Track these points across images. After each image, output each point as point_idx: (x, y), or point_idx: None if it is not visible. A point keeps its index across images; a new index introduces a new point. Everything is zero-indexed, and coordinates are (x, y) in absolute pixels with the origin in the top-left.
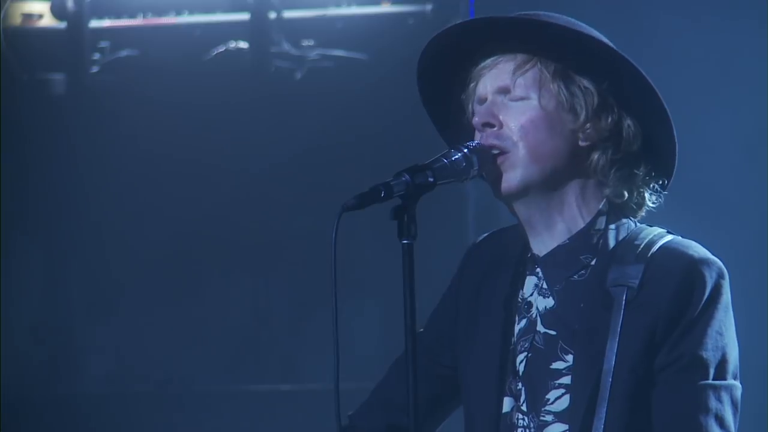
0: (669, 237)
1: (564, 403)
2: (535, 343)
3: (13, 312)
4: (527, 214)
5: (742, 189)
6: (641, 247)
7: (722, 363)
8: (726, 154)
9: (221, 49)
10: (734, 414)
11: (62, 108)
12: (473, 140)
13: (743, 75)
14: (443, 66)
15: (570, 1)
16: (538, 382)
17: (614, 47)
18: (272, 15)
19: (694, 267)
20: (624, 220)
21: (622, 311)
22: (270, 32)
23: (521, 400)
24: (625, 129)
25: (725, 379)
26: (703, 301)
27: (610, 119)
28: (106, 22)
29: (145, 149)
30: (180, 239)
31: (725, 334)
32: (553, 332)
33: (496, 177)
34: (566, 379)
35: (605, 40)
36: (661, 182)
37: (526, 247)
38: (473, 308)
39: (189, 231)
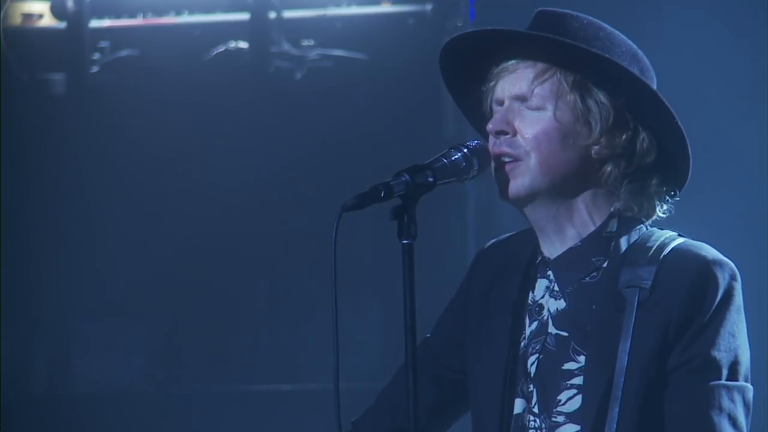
0: (680, 239)
1: (576, 403)
2: (546, 344)
3: (13, 312)
4: (536, 219)
5: (743, 189)
6: (653, 249)
7: (735, 364)
8: (726, 154)
9: (221, 49)
10: (746, 415)
11: (62, 108)
12: (489, 143)
13: (743, 75)
14: (465, 60)
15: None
16: (550, 383)
17: (628, 69)
18: (272, 15)
19: (707, 268)
20: (635, 224)
21: (635, 312)
22: (270, 32)
23: (533, 402)
24: (639, 143)
25: (737, 380)
26: (716, 303)
27: (624, 136)
28: (106, 22)
29: (145, 149)
30: (180, 239)
31: (738, 336)
32: (565, 333)
33: (506, 182)
34: (578, 380)
35: (623, 52)
36: (673, 193)
37: (537, 250)
38: (483, 312)
39: (189, 231)
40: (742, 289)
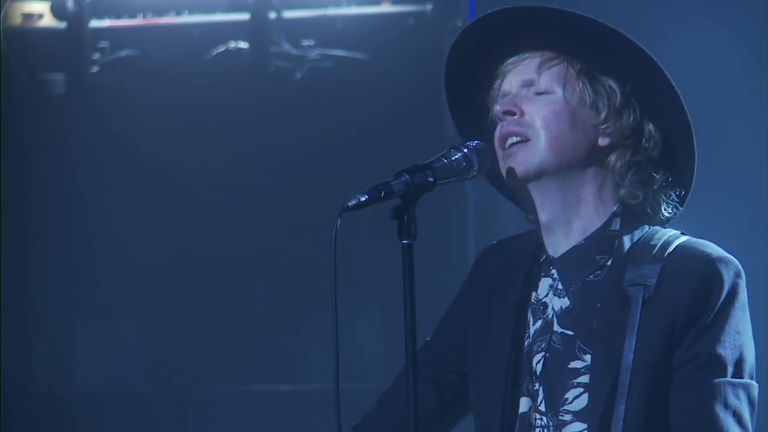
0: (684, 237)
1: (583, 402)
2: (552, 343)
3: (13, 312)
4: (542, 204)
5: (743, 189)
6: (657, 247)
7: (740, 361)
8: (726, 154)
9: (221, 49)
10: (751, 413)
11: (62, 108)
12: (495, 132)
13: (743, 74)
14: (469, 68)
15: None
16: (557, 381)
17: (640, 46)
18: (272, 15)
19: (712, 266)
20: (639, 223)
21: (640, 310)
22: (270, 32)
23: (539, 400)
24: (646, 133)
25: (743, 378)
26: (721, 300)
27: (632, 119)
28: (106, 22)
29: (144, 149)
30: (180, 239)
31: (743, 333)
32: (570, 332)
33: (513, 162)
34: (585, 378)
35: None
36: (678, 193)
37: (540, 249)
38: (485, 313)
39: (189, 230)
40: (749, 287)
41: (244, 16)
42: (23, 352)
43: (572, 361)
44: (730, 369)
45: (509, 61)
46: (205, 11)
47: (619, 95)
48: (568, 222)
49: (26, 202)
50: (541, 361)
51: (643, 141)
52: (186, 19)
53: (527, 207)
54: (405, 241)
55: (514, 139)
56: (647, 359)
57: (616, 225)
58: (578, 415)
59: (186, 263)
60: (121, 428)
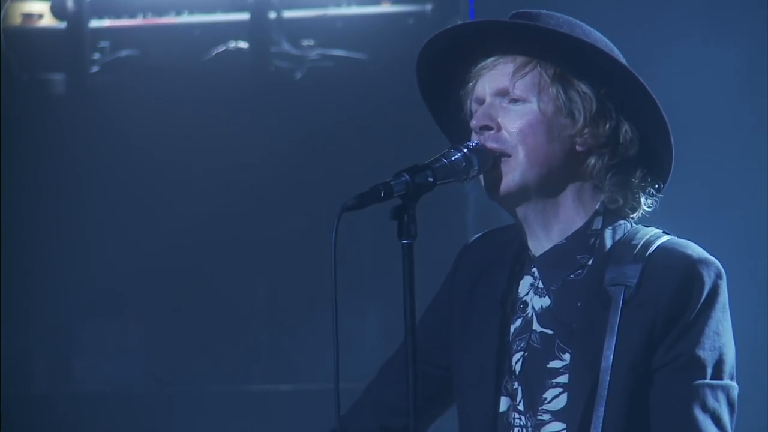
0: (666, 237)
1: (561, 402)
2: (531, 342)
3: (13, 312)
4: (524, 215)
5: (743, 189)
6: (638, 247)
7: (719, 363)
8: (726, 154)
9: (221, 49)
10: (731, 414)
11: (62, 108)
12: (469, 139)
13: (744, 74)
14: (442, 62)
15: (569, 1)
16: (535, 381)
17: (613, 54)
18: (272, 15)
19: (693, 267)
20: (620, 221)
21: (620, 310)
22: (270, 32)
23: (518, 400)
24: (623, 135)
25: (722, 379)
26: (701, 301)
27: (607, 125)
28: (106, 22)
29: (144, 149)
30: (180, 239)
31: (722, 335)
32: (549, 331)
33: (494, 179)
34: (563, 378)
35: (603, 44)
36: (656, 186)
37: (523, 246)
38: (467, 309)
39: (189, 230)
40: (742, 287)
41: (244, 16)
42: (23, 352)
43: (551, 360)
44: (709, 371)
45: (482, 64)
46: (205, 11)
47: (594, 101)
48: (548, 225)
49: (26, 202)
50: (520, 360)
51: (621, 143)
52: (186, 19)
53: (509, 212)
54: (405, 241)
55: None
56: (627, 360)
57: (598, 224)
58: (557, 415)
59: (186, 263)
60: (121, 428)
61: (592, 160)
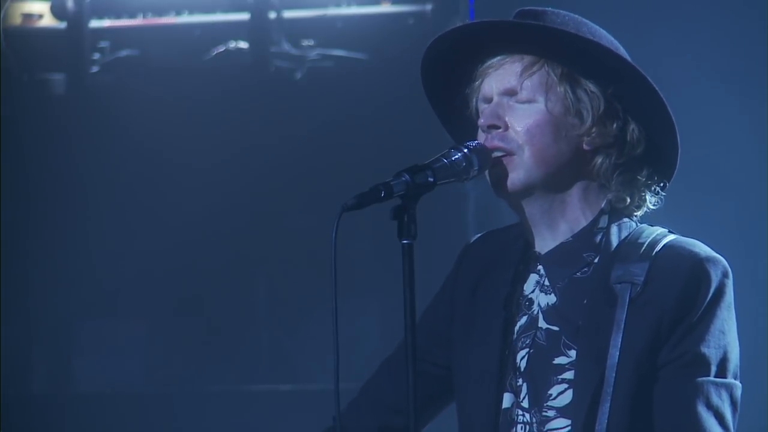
0: (672, 236)
1: (567, 398)
2: (536, 339)
3: (13, 312)
4: (530, 213)
5: (743, 188)
6: (645, 245)
7: (723, 361)
8: (726, 154)
9: (221, 49)
10: (733, 413)
11: (62, 108)
12: (474, 138)
13: (743, 74)
14: (448, 61)
15: (574, 1)
16: (540, 377)
17: (620, 53)
18: (272, 15)
19: (700, 265)
20: (626, 220)
21: (627, 307)
22: (270, 32)
23: (522, 396)
24: (630, 134)
25: (726, 378)
26: (707, 300)
27: (615, 125)
28: (106, 22)
29: (144, 149)
30: (180, 239)
31: (727, 333)
32: (555, 328)
33: (500, 178)
34: (569, 374)
35: (609, 42)
36: (661, 184)
37: (527, 245)
38: (470, 307)
39: (189, 231)
40: (742, 287)
41: (244, 16)
42: (23, 352)
43: (557, 357)
44: (713, 369)
45: (488, 63)
46: (205, 11)
47: (602, 100)
48: (555, 224)
49: (26, 202)
50: (525, 357)
51: (628, 142)
52: (186, 19)
53: (514, 210)
54: (405, 241)
55: (499, 153)
56: (633, 357)
57: (604, 222)
58: (562, 411)
59: (186, 263)
60: (121, 428)
61: (599, 160)
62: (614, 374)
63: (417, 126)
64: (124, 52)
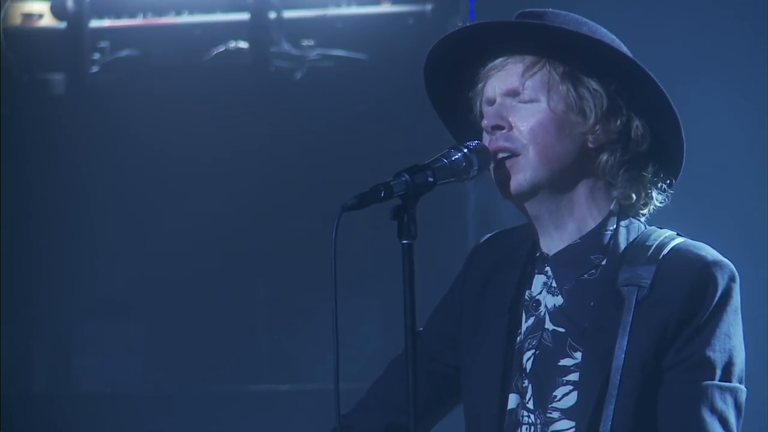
0: (680, 239)
1: (571, 399)
2: (543, 340)
3: (13, 312)
4: (537, 214)
5: (743, 189)
6: (652, 248)
7: (729, 365)
8: (726, 154)
9: (221, 49)
10: (737, 417)
11: (62, 108)
12: (478, 139)
13: (744, 73)
14: (450, 64)
15: (574, 1)
16: (546, 379)
17: (621, 50)
18: (272, 15)
19: (707, 269)
20: (634, 222)
21: (633, 310)
22: (270, 32)
23: (527, 397)
24: (634, 130)
25: (731, 381)
26: (714, 303)
27: (619, 122)
28: (106, 22)
29: (145, 149)
30: (180, 239)
31: (733, 337)
32: (562, 329)
33: (506, 178)
34: (574, 376)
35: (611, 40)
36: (668, 181)
37: (535, 246)
38: (478, 307)
39: (189, 231)
40: (743, 288)
41: (244, 16)
42: (23, 352)
43: (562, 358)
44: (718, 372)
45: (490, 65)
46: (205, 11)
47: (604, 97)
48: (563, 224)
49: (26, 202)
50: (531, 358)
51: (632, 138)
52: (186, 19)
53: (521, 211)
54: (405, 241)
55: (504, 154)
56: (638, 360)
57: (612, 224)
58: (566, 413)
59: (186, 263)
60: (121, 428)
61: (604, 157)
62: (619, 376)
63: (417, 126)
64: (124, 52)
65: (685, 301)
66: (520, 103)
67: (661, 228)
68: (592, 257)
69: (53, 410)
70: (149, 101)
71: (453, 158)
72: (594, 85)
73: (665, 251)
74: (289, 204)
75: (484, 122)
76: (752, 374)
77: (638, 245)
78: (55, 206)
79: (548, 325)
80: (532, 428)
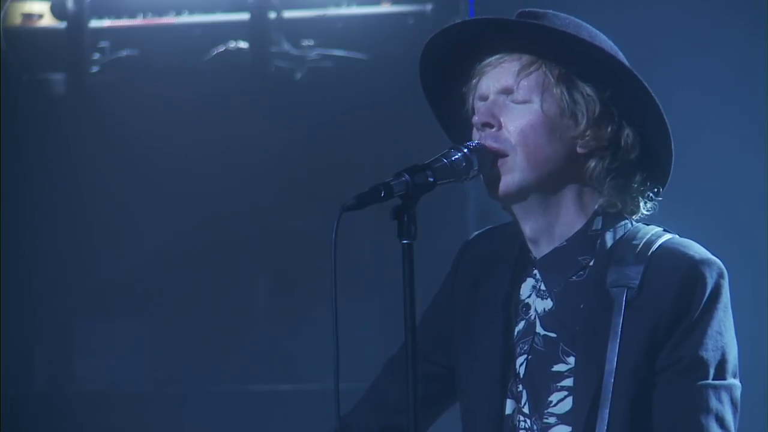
0: (667, 236)
1: (567, 405)
2: (534, 345)
3: (13, 312)
4: (524, 216)
5: (743, 188)
6: (640, 246)
7: (722, 363)
8: (726, 154)
9: (221, 49)
10: (734, 414)
11: (62, 108)
12: (469, 136)
13: (744, 73)
14: (446, 58)
15: (570, 1)
16: (540, 384)
17: (618, 57)
18: (272, 15)
19: (695, 268)
20: (620, 221)
21: (623, 312)
22: (270, 32)
23: (522, 402)
24: (624, 138)
25: (725, 379)
26: (703, 302)
27: (609, 129)
28: (106, 22)
29: (144, 149)
30: (180, 239)
31: (725, 334)
32: (553, 334)
33: (493, 179)
34: (568, 381)
35: (609, 47)
36: (655, 190)
37: (524, 247)
38: (470, 308)
39: (188, 230)
40: (743, 287)
41: (244, 16)
42: (23, 352)
43: (555, 364)
44: (711, 371)
45: (486, 61)
46: (205, 11)
47: (597, 103)
48: (550, 228)
49: (26, 202)
50: (524, 363)
51: (622, 146)
52: (186, 19)
53: (508, 212)
54: (405, 241)
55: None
56: (630, 363)
57: (598, 224)
58: (562, 418)
59: (186, 263)
60: (122, 428)
61: (592, 163)
62: (612, 380)
63: (417, 126)
64: (124, 52)
65: (675, 301)
66: (513, 103)
67: (648, 224)
68: (579, 258)
69: (53, 410)
70: (149, 101)
71: (453, 158)
72: (588, 90)
73: (653, 249)
74: (290, 204)
75: (475, 118)
76: (752, 374)
77: (625, 243)
78: (55, 206)
79: (539, 330)
80: None
